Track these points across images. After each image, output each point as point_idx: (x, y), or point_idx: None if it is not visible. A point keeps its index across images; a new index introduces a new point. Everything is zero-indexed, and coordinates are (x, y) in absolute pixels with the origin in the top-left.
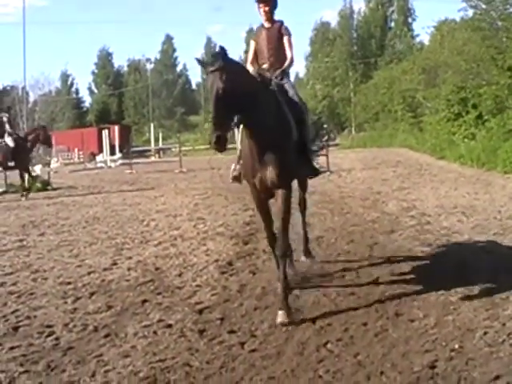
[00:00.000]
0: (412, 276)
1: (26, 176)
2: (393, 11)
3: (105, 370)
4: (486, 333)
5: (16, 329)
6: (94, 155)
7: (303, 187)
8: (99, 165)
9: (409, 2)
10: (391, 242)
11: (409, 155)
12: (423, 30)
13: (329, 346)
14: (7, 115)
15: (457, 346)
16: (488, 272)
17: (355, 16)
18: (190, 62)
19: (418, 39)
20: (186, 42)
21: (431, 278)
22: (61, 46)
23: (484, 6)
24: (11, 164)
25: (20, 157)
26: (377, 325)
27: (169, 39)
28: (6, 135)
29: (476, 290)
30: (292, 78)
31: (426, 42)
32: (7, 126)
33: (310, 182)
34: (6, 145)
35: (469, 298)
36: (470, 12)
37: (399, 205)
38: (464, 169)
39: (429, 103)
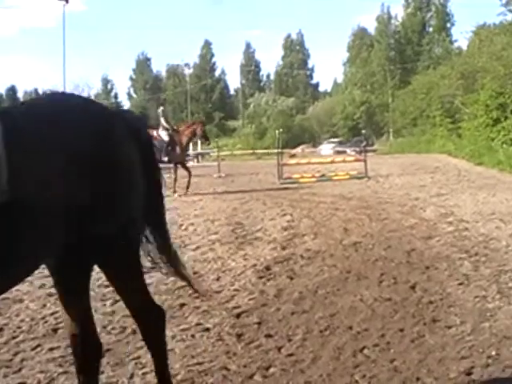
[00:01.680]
0: (449, 282)
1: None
2: (431, 16)
3: (143, 372)
4: None
5: (55, 330)
6: None
7: None
8: None
9: (447, 7)
10: (429, 248)
11: (447, 161)
12: (461, 35)
13: (365, 351)
14: (162, 108)
15: (493, 353)
16: None
17: (393, 21)
18: (228, 67)
19: (456, 44)
20: (225, 47)
21: (468, 284)
22: (100, 51)
23: None
24: (164, 159)
25: (174, 152)
26: (413, 331)
27: (207, 44)
28: (160, 129)
29: None
30: (330, 83)
31: (464, 47)
32: (162, 120)
33: (348, 187)
34: (161, 139)
35: (506, 304)
36: (509, 16)
37: (437, 211)
38: (502, 175)
39: (467, 109)
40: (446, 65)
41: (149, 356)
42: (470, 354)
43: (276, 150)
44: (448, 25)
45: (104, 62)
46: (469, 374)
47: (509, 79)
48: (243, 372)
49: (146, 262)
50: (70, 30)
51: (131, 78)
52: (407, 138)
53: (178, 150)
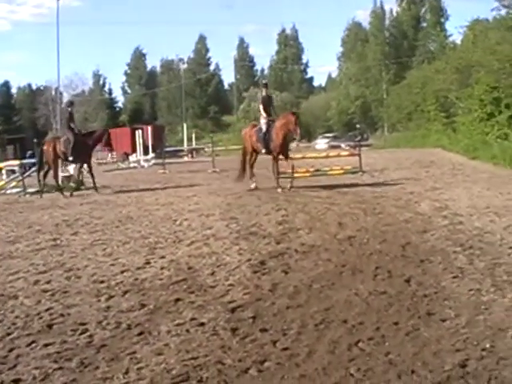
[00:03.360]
0: (444, 276)
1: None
2: (425, 11)
3: (138, 368)
4: None
5: (50, 326)
6: (127, 155)
7: None
8: (132, 165)
9: (441, 2)
10: (423, 241)
11: (442, 155)
12: (456, 30)
13: (360, 344)
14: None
15: (488, 346)
16: None
17: (387, 16)
18: (222, 62)
19: (450, 39)
20: (219, 42)
21: (463, 277)
22: (94, 46)
23: None
24: (71, 158)
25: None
26: (408, 324)
27: (202, 39)
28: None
29: (508, 289)
30: (324, 78)
31: (459, 42)
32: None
33: (342, 182)
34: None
35: (500, 297)
36: (503, 11)
37: (432, 205)
38: (497, 169)
39: (462, 103)
40: (440, 59)
41: (144, 351)
42: (464, 347)
43: None
44: (442, 19)
45: (98, 58)
46: (463, 366)
47: (503, 73)
48: (238, 366)
49: None
50: (64, 25)
51: (126, 73)
52: (402, 132)
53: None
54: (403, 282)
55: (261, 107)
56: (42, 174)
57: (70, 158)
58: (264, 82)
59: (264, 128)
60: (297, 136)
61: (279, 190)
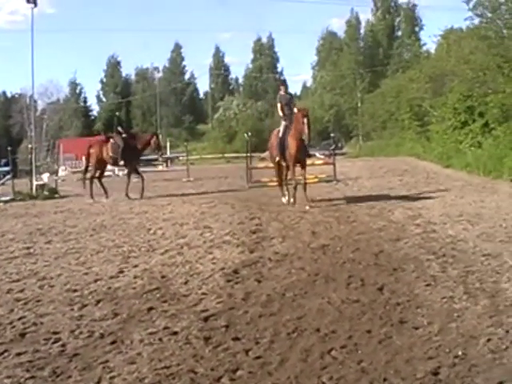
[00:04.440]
0: (417, 284)
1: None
2: (400, 20)
3: (110, 377)
4: (489, 340)
5: (23, 335)
6: None
7: None
8: (107, 173)
9: (416, 11)
10: (397, 249)
11: (416, 164)
12: (430, 39)
13: (333, 353)
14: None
15: (460, 353)
16: (492, 279)
17: (362, 25)
18: (197, 71)
19: (424, 48)
20: (195, 50)
21: (436, 285)
22: (69, 54)
23: (490, 15)
24: (121, 163)
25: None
26: (381, 332)
27: (177, 48)
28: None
29: (480, 297)
30: (299, 87)
31: (433, 51)
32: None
33: (316, 190)
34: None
35: (473, 305)
36: (476, 21)
37: (405, 213)
38: (471, 177)
39: (435, 112)
40: (414, 68)
41: (116, 360)
42: (436, 354)
43: (245, 154)
44: (417, 29)
45: (73, 66)
46: (436, 373)
47: (476, 82)
48: (211, 375)
49: None
50: (39, 32)
51: (102, 81)
52: (376, 141)
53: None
54: (376, 290)
55: (279, 107)
56: (88, 176)
57: (121, 163)
58: (282, 78)
59: (282, 132)
60: (305, 137)
61: (307, 207)
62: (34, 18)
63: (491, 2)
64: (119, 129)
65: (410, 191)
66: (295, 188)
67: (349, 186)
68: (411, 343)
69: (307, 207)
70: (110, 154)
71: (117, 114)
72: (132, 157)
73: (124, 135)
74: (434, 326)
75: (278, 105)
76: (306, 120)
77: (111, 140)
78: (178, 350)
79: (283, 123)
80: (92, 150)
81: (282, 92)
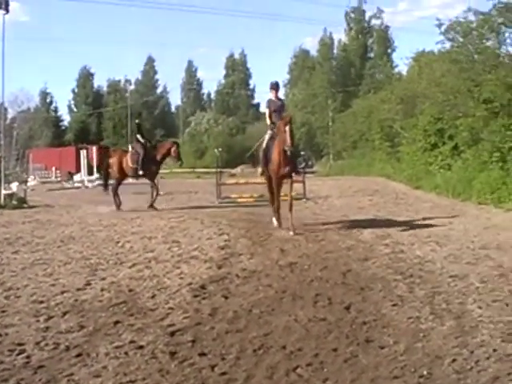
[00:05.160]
0: (384, 303)
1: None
2: (373, 41)
3: None
4: (454, 360)
5: None
6: (71, 174)
7: None
8: (76, 184)
9: (388, 33)
10: (364, 269)
11: (386, 184)
12: (402, 61)
13: (298, 370)
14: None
15: (425, 373)
16: (459, 300)
17: (335, 45)
18: (170, 84)
19: (396, 69)
20: (168, 64)
21: (403, 305)
22: (41, 63)
23: (461, 40)
24: (141, 173)
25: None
26: (347, 351)
27: (150, 61)
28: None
29: (446, 317)
30: None
31: (404, 73)
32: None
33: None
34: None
35: (439, 325)
36: (448, 45)
37: (374, 233)
38: (440, 199)
39: (406, 133)
40: (386, 89)
41: (82, 373)
42: (402, 374)
43: (215, 170)
44: (389, 50)
45: (45, 75)
46: None
47: (447, 105)
48: None
49: None
50: (10, 40)
51: (73, 92)
52: (347, 160)
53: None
54: (343, 308)
55: (267, 113)
56: (111, 188)
57: (141, 173)
58: (274, 81)
59: (265, 142)
60: (287, 147)
61: (291, 232)
62: (5, 25)
63: (462, 27)
64: (138, 137)
65: (379, 211)
66: (278, 209)
67: (318, 204)
68: (377, 362)
69: (291, 233)
70: (130, 164)
71: (136, 121)
72: (152, 167)
73: (143, 142)
74: (399, 345)
75: (266, 111)
76: (287, 128)
77: (130, 149)
78: (143, 364)
79: (269, 132)
80: (111, 160)
81: (272, 96)
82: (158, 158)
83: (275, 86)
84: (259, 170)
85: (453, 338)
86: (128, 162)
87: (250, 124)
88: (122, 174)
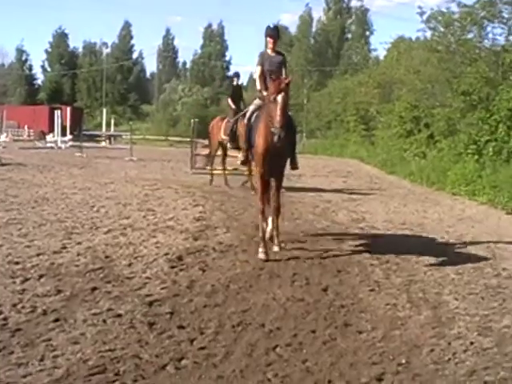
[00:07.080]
0: (361, 288)
1: None
2: (351, 22)
3: (53, 355)
4: (432, 350)
5: None
6: (44, 134)
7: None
8: (49, 144)
9: (367, 16)
10: (341, 251)
11: (359, 167)
12: (380, 45)
13: (278, 350)
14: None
15: (404, 361)
16: (435, 290)
17: (314, 23)
18: (146, 51)
19: (374, 53)
20: (145, 30)
21: (379, 291)
22: (18, 21)
23: (442, 30)
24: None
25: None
26: (325, 333)
27: (127, 26)
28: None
29: (423, 307)
30: (246, 79)
31: (382, 57)
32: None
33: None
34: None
35: (416, 314)
36: (429, 33)
37: (349, 215)
38: (414, 186)
39: (382, 118)
40: (363, 72)
41: (60, 338)
42: (380, 360)
43: (189, 139)
44: (367, 33)
45: (21, 33)
46: (380, 379)
47: (424, 94)
48: (155, 362)
49: None
50: None
51: (47, 51)
52: (321, 139)
53: None
54: (320, 290)
55: (257, 72)
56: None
57: (229, 146)
58: (272, 26)
59: (248, 115)
60: (275, 128)
61: (275, 247)
62: None
63: (445, 17)
64: (230, 102)
65: (353, 194)
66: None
67: (292, 182)
68: (355, 347)
69: (275, 248)
70: (223, 135)
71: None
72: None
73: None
74: (377, 331)
75: (257, 69)
76: (280, 98)
77: (227, 118)
78: (122, 334)
79: (255, 102)
80: (213, 131)
81: (268, 49)
82: None
83: (273, 33)
84: (240, 156)
85: (430, 328)
86: (221, 132)
87: (225, 95)
88: (220, 145)
